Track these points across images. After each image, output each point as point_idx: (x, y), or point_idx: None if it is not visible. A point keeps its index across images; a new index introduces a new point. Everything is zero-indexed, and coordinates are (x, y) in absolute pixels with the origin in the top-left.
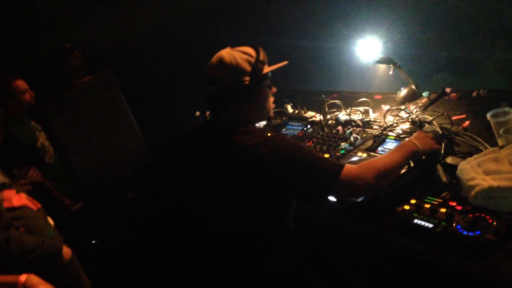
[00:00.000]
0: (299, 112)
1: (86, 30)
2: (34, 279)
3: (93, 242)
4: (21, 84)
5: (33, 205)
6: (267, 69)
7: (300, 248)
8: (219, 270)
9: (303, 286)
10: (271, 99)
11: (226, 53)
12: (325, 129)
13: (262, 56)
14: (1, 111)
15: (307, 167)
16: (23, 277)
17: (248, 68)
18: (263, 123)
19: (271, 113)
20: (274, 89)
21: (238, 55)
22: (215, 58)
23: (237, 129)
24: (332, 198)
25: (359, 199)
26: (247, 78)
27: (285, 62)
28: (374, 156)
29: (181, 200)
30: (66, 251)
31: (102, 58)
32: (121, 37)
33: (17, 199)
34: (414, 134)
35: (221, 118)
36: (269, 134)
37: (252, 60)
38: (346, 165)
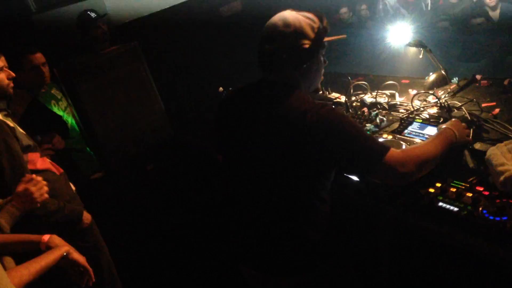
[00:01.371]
0: (323, 92)
1: (113, 1)
2: (56, 239)
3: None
4: (39, 56)
5: (56, 169)
6: (326, 38)
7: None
8: (263, 236)
9: (337, 258)
10: (322, 70)
11: (289, 14)
12: (350, 110)
13: (325, 23)
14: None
15: (352, 142)
16: (46, 237)
17: (310, 32)
18: None
19: (318, 85)
20: (326, 62)
21: (302, 18)
22: (276, 17)
23: (286, 92)
24: (354, 178)
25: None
26: (307, 42)
27: (344, 36)
28: (400, 138)
29: (217, 163)
30: (87, 216)
31: (129, 30)
32: (149, 10)
33: (41, 162)
34: (450, 121)
35: (270, 80)
36: (318, 102)
37: (315, 26)
38: (392, 149)
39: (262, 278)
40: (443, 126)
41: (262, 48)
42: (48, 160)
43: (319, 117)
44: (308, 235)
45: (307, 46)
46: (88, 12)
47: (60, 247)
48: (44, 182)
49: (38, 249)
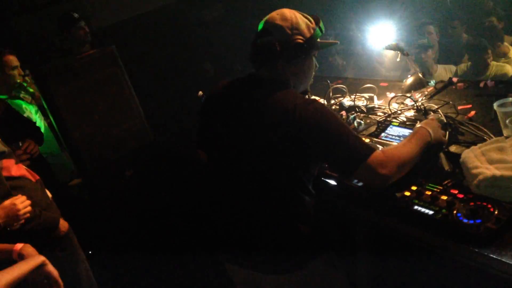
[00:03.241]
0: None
1: (94, 5)
2: (29, 248)
3: (90, 252)
4: (12, 59)
5: (32, 176)
6: (321, 40)
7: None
8: (253, 231)
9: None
10: (313, 73)
11: (288, 11)
12: None
13: (321, 26)
14: None
15: (338, 141)
16: (18, 246)
17: (305, 29)
18: None
19: (308, 86)
20: (317, 65)
21: (299, 15)
22: (274, 12)
23: (275, 88)
24: (332, 182)
25: (360, 183)
26: (302, 38)
27: (337, 42)
28: (377, 142)
29: (199, 158)
30: (63, 224)
31: (107, 34)
32: (127, 14)
33: (16, 169)
34: (424, 120)
35: (260, 75)
36: (307, 97)
37: (311, 25)
38: (376, 151)
39: (252, 278)
40: (418, 125)
41: (257, 41)
42: (24, 167)
43: (307, 113)
44: (298, 228)
45: (301, 41)
46: (71, 13)
47: (36, 257)
48: (29, 202)
49: (9, 259)
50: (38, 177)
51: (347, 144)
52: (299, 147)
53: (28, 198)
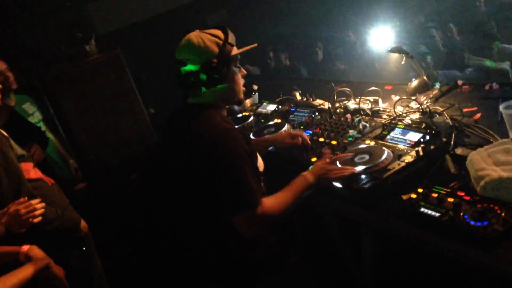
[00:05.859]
0: (307, 99)
1: (97, 11)
2: (36, 249)
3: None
4: (1, 64)
5: (48, 180)
6: (235, 51)
7: (285, 230)
8: (205, 260)
9: (292, 268)
10: (241, 81)
11: (194, 36)
12: (333, 117)
13: (230, 37)
14: None
15: (229, 182)
16: (25, 247)
17: (216, 49)
18: (270, 109)
19: (241, 96)
20: (244, 72)
21: (206, 37)
22: (183, 40)
23: (202, 114)
24: (337, 184)
25: (366, 185)
26: (215, 60)
27: (254, 45)
28: (382, 144)
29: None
30: (84, 224)
31: (111, 39)
32: (132, 20)
33: (34, 172)
34: (313, 166)
35: (189, 103)
36: (226, 126)
37: (220, 42)
38: (263, 201)
39: None
40: (305, 173)
41: (177, 73)
42: (39, 170)
43: (212, 142)
44: (249, 253)
45: (215, 64)
46: (76, 31)
47: (40, 260)
48: (37, 206)
49: (17, 260)
50: (53, 181)
51: (237, 188)
52: (202, 175)
53: (48, 199)
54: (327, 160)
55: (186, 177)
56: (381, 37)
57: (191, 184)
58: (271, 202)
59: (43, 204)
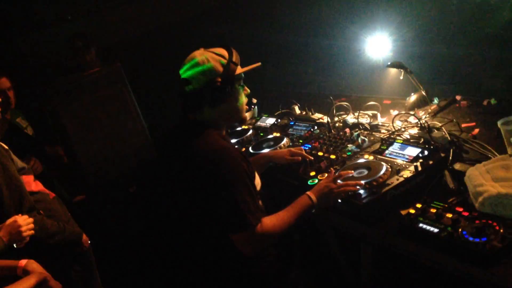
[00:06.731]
0: (306, 113)
1: (98, 23)
2: (34, 264)
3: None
4: (4, 81)
5: (49, 193)
6: (239, 70)
7: (285, 246)
8: (204, 276)
9: (292, 284)
10: (244, 100)
11: (199, 54)
12: (332, 131)
13: (234, 57)
14: None
15: (229, 200)
16: (23, 262)
17: (220, 68)
18: (270, 122)
19: (244, 115)
20: (247, 90)
21: (210, 55)
22: (187, 59)
23: (202, 132)
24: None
25: (365, 200)
26: (219, 79)
27: (258, 64)
28: (381, 159)
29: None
30: (86, 239)
31: (112, 52)
32: (132, 32)
33: (35, 184)
34: (316, 185)
35: (189, 119)
36: (225, 145)
37: (225, 61)
38: (263, 221)
39: None
40: (307, 193)
41: (181, 90)
42: (40, 183)
43: (214, 163)
44: (249, 269)
45: (219, 83)
46: (77, 39)
47: (37, 274)
48: (31, 220)
49: (14, 274)
50: (54, 194)
51: (236, 207)
52: (202, 193)
53: (50, 212)
54: (331, 178)
55: (185, 194)
56: (378, 46)
57: (190, 201)
58: (272, 221)
59: (31, 220)
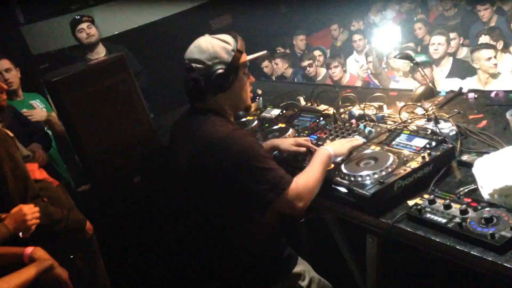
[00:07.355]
0: (312, 104)
1: (103, 14)
2: (40, 251)
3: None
4: (3, 63)
5: (53, 181)
6: (244, 58)
7: (291, 238)
8: (212, 267)
9: (298, 276)
10: (248, 88)
11: (204, 41)
12: (338, 122)
13: (239, 44)
14: None
15: (256, 171)
16: (29, 249)
17: (225, 56)
18: (275, 113)
19: (249, 103)
20: (252, 79)
21: (215, 42)
22: (192, 45)
23: (208, 119)
24: (342, 189)
25: (372, 191)
26: (224, 66)
27: (264, 52)
28: (388, 149)
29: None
30: (89, 226)
31: (116, 42)
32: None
33: (39, 172)
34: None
35: (197, 107)
36: (234, 128)
37: (230, 48)
38: (293, 181)
39: None
40: (321, 147)
41: (185, 78)
42: (45, 171)
43: (228, 144)
44: (250, 254)
45: (223, 71)
46: (75, 16)
47: (43, 261)
48: (37, 209)
49: (21, 262)
50: (58, 182)
51: (265, 176)
52: (222, 177)
53: (54, 200)
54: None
55: (201, 182)
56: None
57: (207, 189)
58: (303, 177)
59: (37, 209)
